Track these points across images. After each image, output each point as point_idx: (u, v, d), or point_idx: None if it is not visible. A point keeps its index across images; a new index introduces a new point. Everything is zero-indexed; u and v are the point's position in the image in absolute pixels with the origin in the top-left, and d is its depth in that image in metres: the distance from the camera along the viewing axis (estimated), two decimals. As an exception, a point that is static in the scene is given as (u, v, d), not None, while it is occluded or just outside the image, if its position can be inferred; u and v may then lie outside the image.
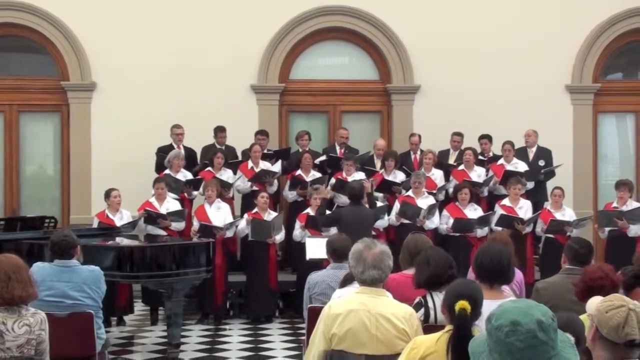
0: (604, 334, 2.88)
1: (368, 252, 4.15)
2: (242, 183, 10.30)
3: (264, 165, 10.43)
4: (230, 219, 9.62)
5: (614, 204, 9.97)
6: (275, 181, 10.43)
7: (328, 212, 9.40)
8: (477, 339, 2.66)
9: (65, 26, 11.42)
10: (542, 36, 11.82)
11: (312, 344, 4.15)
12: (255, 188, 10.17)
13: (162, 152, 10.46)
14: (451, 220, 9.82)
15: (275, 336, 8.86)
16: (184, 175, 10.20)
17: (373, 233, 9.19)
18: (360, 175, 10.23)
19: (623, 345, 2.84)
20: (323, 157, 10.91)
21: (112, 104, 11.43)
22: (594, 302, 3.02)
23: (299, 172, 10.40)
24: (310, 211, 9.51)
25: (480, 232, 9.84)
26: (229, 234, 9.59)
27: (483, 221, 9.82)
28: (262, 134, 10.83)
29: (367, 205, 9.24)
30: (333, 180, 10.27)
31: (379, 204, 9.85)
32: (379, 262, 4.11)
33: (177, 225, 9.59)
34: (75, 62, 11.48)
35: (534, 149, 11.07)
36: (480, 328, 3.44)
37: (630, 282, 4.84)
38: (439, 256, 4.71)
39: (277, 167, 10.65)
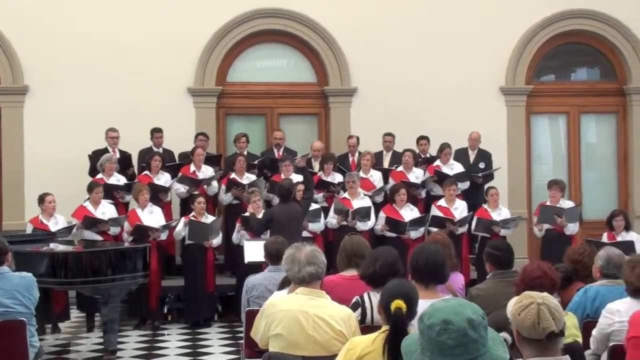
0: (525, 336, 2.92)
1: (300, 252, 4.26)
2: (182, 188, 10.22)
3: (206, 169, 10.36)
4: (163, 222, 9.53)
5: (547, 203, 10.15)
6: (215, 183, 10.34)
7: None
8: (410, 338, 2.69)
9: (-5, 28, 11.18)
10: (476, 39, 12.00)
11: (256, 327, 4.28)
12: (195, 192, 10.08)
13: (97, 155, 10.30)
14: (383, 220, 9.89)
15: (214, 340, 8.80)
16: (117, 179, 10.07)
17: (309, 235, 9.22)
18: (298, 177, 10.23)
19: (546, 339, 2.89)
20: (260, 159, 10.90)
21: (45, 107, 11.19)
22: (509, 306, 3.06)
23: (233, 175, 10.36)
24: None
25: (414, 233, 9.90)
26: (163, 236, 9.49)
27: (415, 223, 9.88)
28: (203, 135, 10.76)
29: (298, 202, 9.23)
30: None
31: (317, 205, 9.87)
32: (313, 258, 4.23)
33: (114, 230, 9.47)
34: (6, 64, 11.22)
35: (475, 152, 11.24)
36: (415, 328, 3.47)
37: (562, 280, 4.94)
38: (387, 259, 4.61)
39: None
